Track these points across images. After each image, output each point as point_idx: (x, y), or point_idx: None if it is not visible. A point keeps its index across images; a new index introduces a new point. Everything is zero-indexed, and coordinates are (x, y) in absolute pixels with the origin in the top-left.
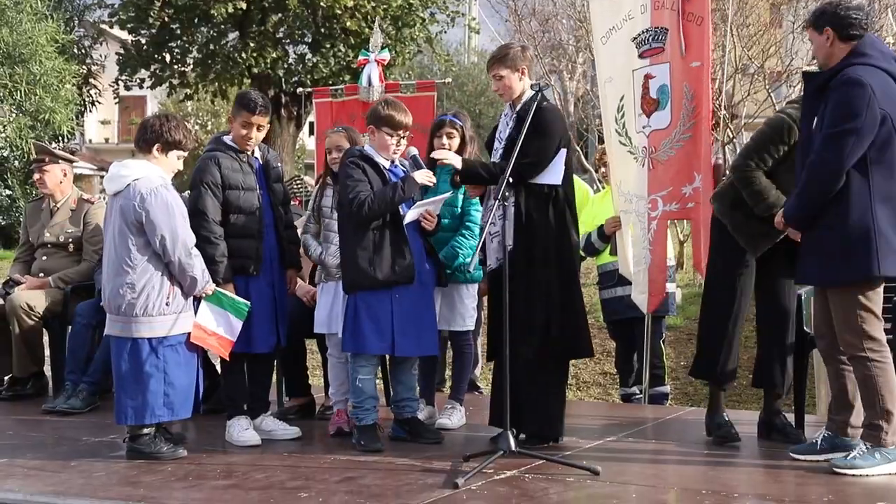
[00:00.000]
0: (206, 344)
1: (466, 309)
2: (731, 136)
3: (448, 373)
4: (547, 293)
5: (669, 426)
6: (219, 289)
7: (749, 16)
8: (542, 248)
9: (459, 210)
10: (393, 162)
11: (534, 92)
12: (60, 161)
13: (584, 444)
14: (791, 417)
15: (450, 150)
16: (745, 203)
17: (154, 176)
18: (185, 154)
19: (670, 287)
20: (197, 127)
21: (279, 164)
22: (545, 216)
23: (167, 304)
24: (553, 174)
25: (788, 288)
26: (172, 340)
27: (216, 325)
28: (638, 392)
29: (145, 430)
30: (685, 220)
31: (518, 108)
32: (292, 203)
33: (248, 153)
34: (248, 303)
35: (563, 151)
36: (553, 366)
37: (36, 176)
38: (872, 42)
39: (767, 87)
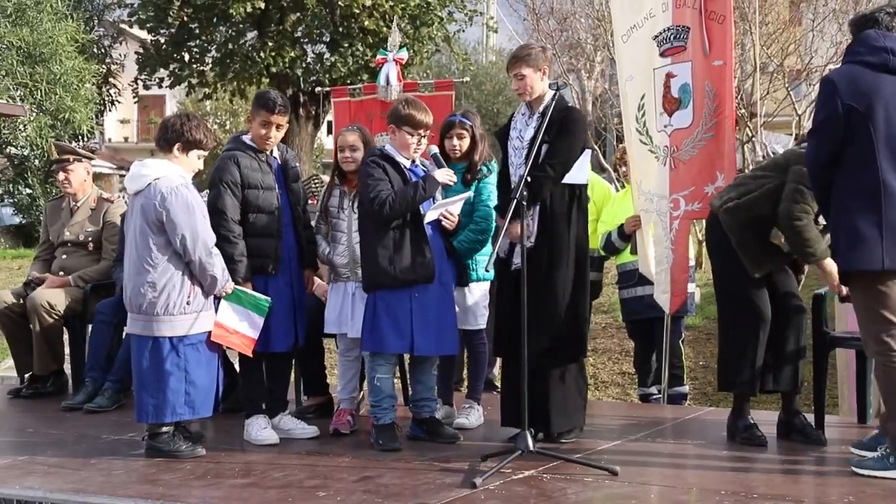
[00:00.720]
0: (229, 342)
1: (478, 307)
2: (751, 134)
3: (464, 372)
4: (564, 292)
5: (688, 426)
6: (238, 287)
7: (768, 14)
8: (564, 248)
9: (471, 207)
10: (413, 161)
11: (553, 91)
12: (83, 160)
13: (603, 445)
14: (811, 417)
15: (460, 150)
16: (758, 224)
17: (174, 175)
18: (206, 153)
19: (690, 287)
20: (215, 126)
21: (297, 164)
22: (569, 216)
23: (188, 303)
24: (577, 174)
25: (796, 286)
26: (193, 339)
27: (238, 323)
28: (656, 392)
29: (164, 429)
30: (705, 220)
31: (540, 108)
32: (310, 202)
33: (267, 153)
34: (269, 299)
35: (588, 152)
36: (566, 364)
37: (60, 176)
38: (866, 37)
39: (787, 85)
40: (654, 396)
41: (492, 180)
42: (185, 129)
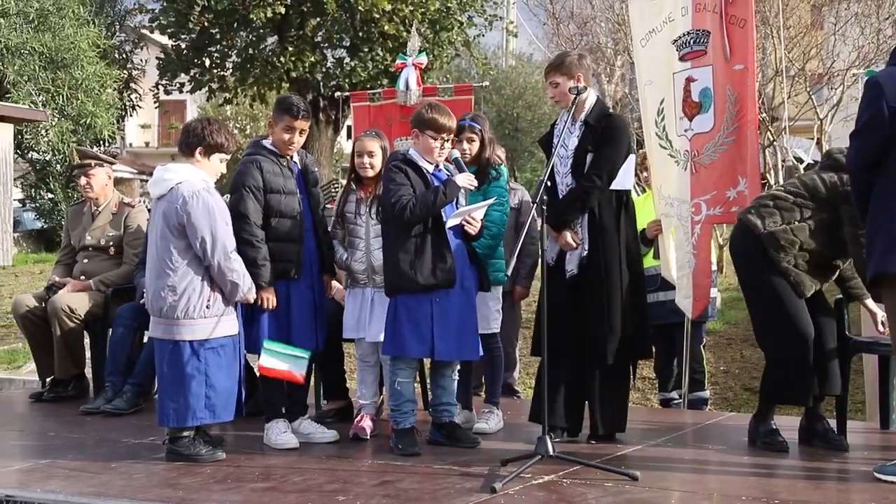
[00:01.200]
0: (280, 376)
1: (491, 311)
2: (772, 138)
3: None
4: (621, 296)
5: (709, 431)
6: (272, 345)
7: (790, 17)
8: (617, 253)
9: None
10: (437, 165)
11: (596, 99)
12: (105, 164)
13: (623, 449)
14: (833, 423)
15: (470, 153)
16: (819, 253)
17: (197, 179)
18: (228, 157)
19: (712, 292)
20: (236, 131)
21: (316, 169)
22: (618, 221)
23: (208, 307)
24: (623, 180)
25: (821, 293)
26: (214, 343)
27: (282, 367)
28: (677, 397)
29: (185, 433)
30: (725, 224)
31: (583, 116)
32: (328, 206)
33: (288, 157)
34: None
35: (632, 157)
36: (623, 366)
37: (82, 181)
38: None
39: (808, 89)
40: (675, 401)
41: (501, 184)
42: (206, 133)
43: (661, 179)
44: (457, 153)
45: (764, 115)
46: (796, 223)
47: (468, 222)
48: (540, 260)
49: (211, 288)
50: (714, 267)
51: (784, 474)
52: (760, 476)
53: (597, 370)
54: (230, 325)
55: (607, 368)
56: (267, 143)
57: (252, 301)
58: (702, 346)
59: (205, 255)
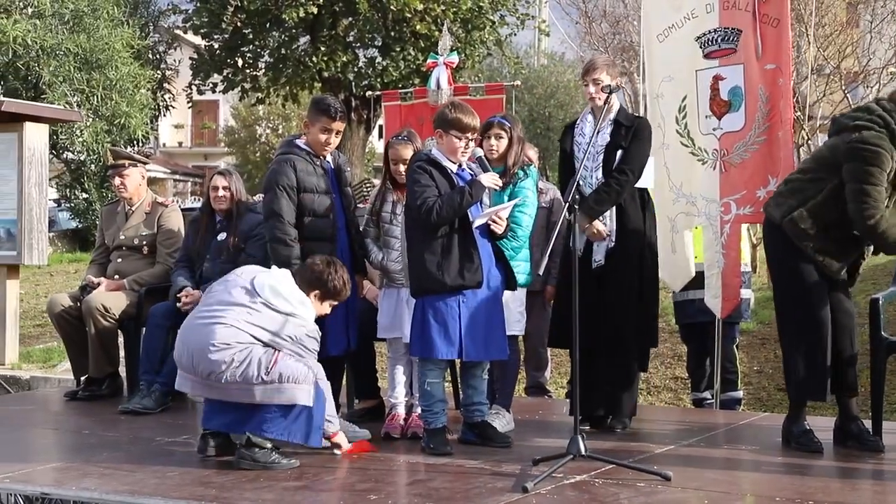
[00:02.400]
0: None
1: (512, 313)
2: (807, 137)
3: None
4: (642, 289)
5: (742, 432)
6: (338, 437)
7: (825, 15)
8: (640, 245)
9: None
10: (460, 165)
11: (619, 100)
12: (138, 164)
13: (656, 450)
14: (868, 424)
15: (497, 150)
16: (834, 227)
17: (308, 321)
18: (337, 304)
19: (746, 293)
20: (268, 130)
21: (349, 168)
22: (641, 218)
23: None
24: (645, 178)
25: (848, 291)
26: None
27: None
28: (709, 397)
29: (268, 444)
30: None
31: (611, 116)
32: (361, 206)
33: (322, 157)
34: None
35: (652, 158)
36: (634, 353)
37: (116, 181)
38: None
39: (844, 87)
40: (707, 401)
41: (528, 185)
42: (327, 280)
43: (681, 177)
44: (480, 152)
45: (798, 113)
46: (814, 200)
47: (494, 221)
48: (573, 255)
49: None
50: (747, 267)
51: (818, 475)
52: (794, 477)
53: (611, 356)
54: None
55: (622, 355)
56: (300, 142)
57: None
58: (735, 346)
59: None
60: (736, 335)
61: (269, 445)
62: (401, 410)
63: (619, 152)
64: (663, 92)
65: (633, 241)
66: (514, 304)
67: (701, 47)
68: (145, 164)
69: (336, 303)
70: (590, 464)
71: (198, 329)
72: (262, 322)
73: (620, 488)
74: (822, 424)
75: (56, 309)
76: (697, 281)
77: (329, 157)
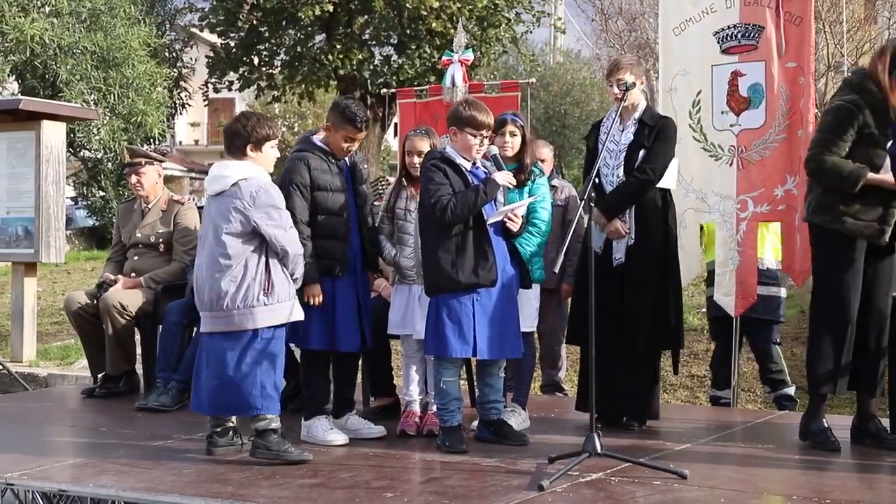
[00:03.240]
0: None
1: (527, 309)
2: None
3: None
4: (662, 287)
5: (759, 429)
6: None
7: (843, 12)
8: (660, 244)
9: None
10: (475, 163)
11: (646, 100)
12: (155, 162)
13: (672, 448)
14: (886, 423)
15: (512, 148)
16: (850, 199)
17: (259, 175)
18: (276, 141)
19: (782, 292)
20: (284, 128)
21: (365, 166)
22: (662, 218)
23: (267, 296)
24: (669, 179)
25: (884, 288)
26: (268, 333)
27: None
28: (726, 396)
29: (273, 426)
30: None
31: (636, 115)
32: (376, 203)
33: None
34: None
35: (676, 159)
36: (657, 354)
37: (133, 178)
38: None
39: None
40: (723, 400)
41: (543, 182)
42: (249, 129)
43: (692, 173)
44: (495, 149)
45: (816, 111)
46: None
47: (510, 219)
48: (589, 253)
49: (268, 276)
50: (774, 265)
51: (836, 473)
52: (811, 475)
53: (632, 357)
54: (295, 311)
55: (643, 356)
56: (316, 139)
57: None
58: (776, 345)
59: (277, 244)
60: (775, 335)
61: (273, 426)
62: (416, 408)
63: (642, 152)
64: (677, 86)
65: (654, 241)
66: (531, 302)
67: (718, 42)
68: (161, 161)
69: (275, 141)
70: (605, 462)
71: (201, 265)
72: (236, 224)
73: (636, 486)
74: (840, 422)
75: (73, 306)
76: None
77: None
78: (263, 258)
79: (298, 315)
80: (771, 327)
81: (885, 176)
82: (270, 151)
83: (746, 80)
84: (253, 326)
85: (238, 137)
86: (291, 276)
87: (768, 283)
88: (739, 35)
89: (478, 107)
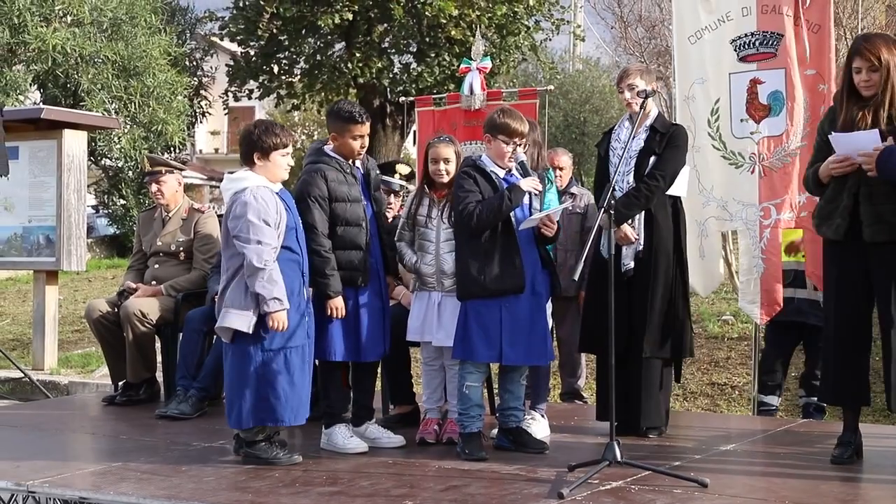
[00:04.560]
0: None
1: None
2: None
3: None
4: (671, 295)
5: (780, 438)
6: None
7: (864, 18)
8: (669, 251)
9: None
10: (509, 171)
11: (657, 107)
12: (175, 171)
13: (692, 456)
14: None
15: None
16: (822, 203)
17: (255, 184)
18: (288, 150)
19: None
20: (304, 136)
21: (378, 172)
22: (671, 225)
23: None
24: (679, 187)
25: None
26: (276, 346)
27: None
28: (774, 404)
29: (260, 436)
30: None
31: (648, 122)
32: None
33: (351, 164)
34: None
35: (687, 167)
36: (666, 362)
37: (153, 187)
38: None
39: None
40: (770, 408)
41: (553, 190)
42: (255, 137)
43: (712, 180)
44: (523, 156)
45: None
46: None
47: (545, 224)
48: (609, 260)
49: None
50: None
51: (858, 482)
52: (833, 484)
53: (640, 364)
54: (243, 321)
55: (651, 362)
56: (328, 149)
57: (278, 324)
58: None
59: (241, 252)
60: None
61: (259, 436)
62: (435, 416)
63: (653, 158)
64: (695, 94)
65: (663, 248)
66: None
67: (736, 50)
68: (182, 170)
69: (285, 150)
70: (626, 470)
71: None
72: (225, 235)
73: (657, 495)
74: (871, 431)
75: (94, 315)
76: (802, 278)
77: (359, 163)
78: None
79: (238, 325)
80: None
81: (825, 164)
82: (280, 160)
83: (766, 87)
84: (229, 325)
85: (247, 145)
86: (252, 288)
87: None
88: (757, 43)
89: (512, 115)
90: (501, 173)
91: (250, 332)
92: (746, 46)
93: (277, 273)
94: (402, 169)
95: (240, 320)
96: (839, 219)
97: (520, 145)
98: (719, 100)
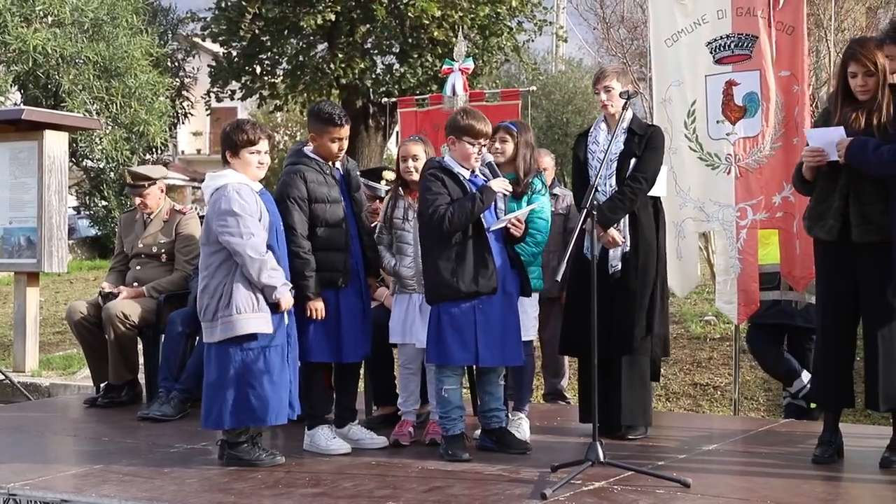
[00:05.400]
0: None
1: (529, 318)
2: None
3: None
4: (653, 295)
5: (762, 438)
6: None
7: (844, 20)
8: (654, 252)
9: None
10: (473, 171)
11: (632, 106)
12: (158, 181)
13: (675, 456)
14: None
15: (503, 154)
16: (812, 203)
17: (232, 181)
18: (259, 147)
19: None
20: (286, 137)
21: (357, 173)
22: (654, 226)
23: (238, 306)
24: (659, 188)
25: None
26: (255, 346)
27: None
28: (805, 404)
29: (242, 437)
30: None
31: (624, 124)
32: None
33: (331, 165)
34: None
35: (665, 168)
36: (647, 361)
37: (137, 200)
38: None
39: None
40: (804, 390)
41: (544, 192)
42: (227, 135)
43: (688, 182)
44: (490, 157)
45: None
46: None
47: (514, 224)
48: (591, 262)
49: (229, 289)
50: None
51: (838, 482)
52: (814, 483)
53: (622, 364)
54: (261, 323)
55: (633, 362)
56: (308, 150)
57: (288, 303)
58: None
59: (232, 250)
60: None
61: (241, 438)
62: (410, 417)
63: (633, 160)
64: (671, 97)
65: (647, 249)
66: (530, 310)
67: (712, 53)
68: (164, 178)
69: (254, 147)
70: (608, 470)
71: None
72: (205, 235)
73: (639, 495)
74: (851, 431)
75: (75, 317)
76: (784, 282)
77: (338, 164)
78: (231, 270)
79: (258, 328)
80: (812, 336)
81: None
82: (250, 157)
83: (741, 89)
84: (211, 340)
85: (221, 144)
86: (258, 282)
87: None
88: (733, 45)
89: (475, 115)
90: (467, 174)
91: (271, 330)
92: (722, 49)
93: (273, 260)
94: (389, 175)
95: (260, 323)
96: (831, 220)
97: (484, 146)
98: (696, 102)
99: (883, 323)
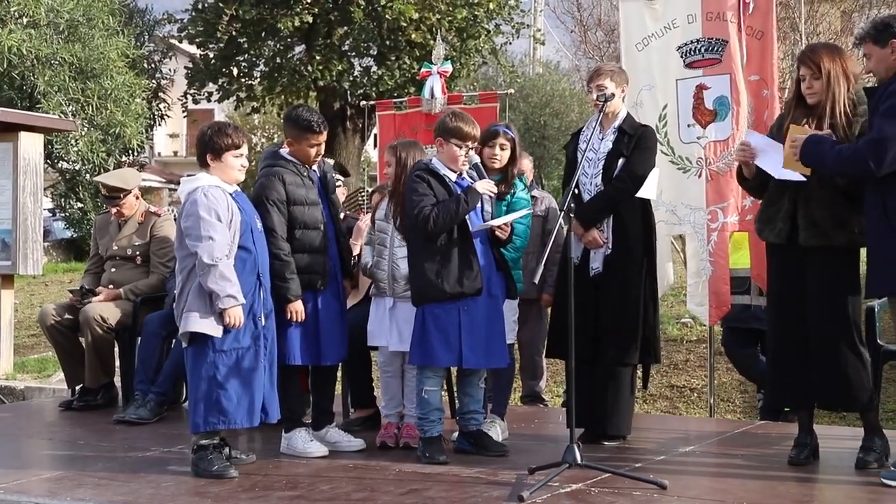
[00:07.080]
0: None
1: (507, 322)
2: None
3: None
4: (641, 300)
5: (738, 440)
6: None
7: (819, 24)
8: (638, 255)
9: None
10: (460, 174)
11: (627, 110)
12: (133, 189)
13: (652, 458)
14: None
15: (501, 160)
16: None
17: (206, 184)
18: (240, 151)
19: None
20: (263, 139)
21: (334, 175)
22: (641, 228)
23: (204, 304)
24: (648, 189)
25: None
26: (227, 346)
27: None
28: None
29: (204, 441)
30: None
31: (616, 123)
32: (358, 214)
33: (308, 167)
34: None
35: (657, 169)
36: (631, 367)
37: (114, 210)
38: None
39: None
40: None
41: (524, 195)
42: (207, 139)
43: (660, 186)
44: (476, 159)
45: None
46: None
47: (500, 227)
48: (568, 263)
49: (200, 287)
50: None
51: (813, 483)
52: (789, 485)
53: (606, 369)
54: (207, 325)
55: (617, 368)
56: (284, 152)
57: (232, 318)
58: None
59: (194, 256)
60: None
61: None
62: (393, 420)
63: (621, 160)
64: (643, 100)
65: (633, 251)
66: (509, 313)
67: (682, 57)
68: (138, 186)
69: (236, 151)
70: (585, 472)
71: None
72: (178, 237)
73: (616, 497)
74: (826, 433)
75: (47, 321)
76: (756, 287)
77: (315, 166)
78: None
79: (205, 330)
80: None
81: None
82: (233, 161)
83: (712, 93)
84: (184, 329)
85: (200, 147)
86: (206, 286)
87: None
88: (703, 49)
89: (464, 118)
90: (454, 177)
91: (219, 335)
92: (692, 53)
93: (230, 270)
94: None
95: (204, 324)
96: (780, 223)
97: (471, 148)
98: (667, 106)
99: (826, 326)
